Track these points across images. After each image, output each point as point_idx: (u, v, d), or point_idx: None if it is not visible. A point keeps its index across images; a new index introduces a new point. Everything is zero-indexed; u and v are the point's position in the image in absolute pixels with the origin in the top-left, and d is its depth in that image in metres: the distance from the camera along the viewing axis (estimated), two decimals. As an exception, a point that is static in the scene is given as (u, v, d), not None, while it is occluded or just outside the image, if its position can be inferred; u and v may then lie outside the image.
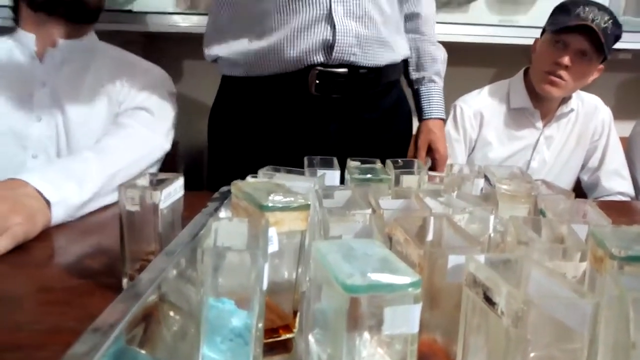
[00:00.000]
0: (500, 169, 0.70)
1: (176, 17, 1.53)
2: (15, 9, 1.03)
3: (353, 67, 0.96)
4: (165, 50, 1.61)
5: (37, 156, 0.96)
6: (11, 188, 0.69)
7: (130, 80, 1.03)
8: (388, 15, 0.99)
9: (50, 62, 0.99)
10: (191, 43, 1.49)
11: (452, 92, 1.33)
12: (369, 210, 0.48)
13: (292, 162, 0.97)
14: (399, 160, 0.72)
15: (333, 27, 0.92)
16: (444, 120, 1.21)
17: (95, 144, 0.91)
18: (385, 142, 1.07)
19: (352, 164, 0.70)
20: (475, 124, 1.42)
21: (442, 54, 1.19)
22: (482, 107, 1.43)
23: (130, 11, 1.51)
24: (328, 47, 0.93)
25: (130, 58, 1.10)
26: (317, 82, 0.95)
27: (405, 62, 1.14)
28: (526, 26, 1.63)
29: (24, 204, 0.67)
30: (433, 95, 1.17)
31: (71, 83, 1.00)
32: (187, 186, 0.61)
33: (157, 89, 1.05)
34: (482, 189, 0.67)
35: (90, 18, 1.03)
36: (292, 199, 0.48)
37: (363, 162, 0.71)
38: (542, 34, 1.36)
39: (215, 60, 1.04)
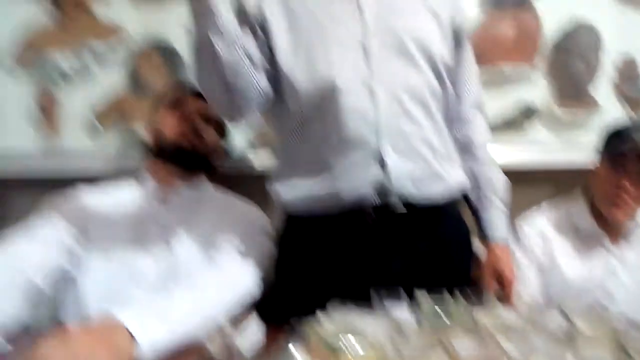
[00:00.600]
0: (576, 301, 0.68)
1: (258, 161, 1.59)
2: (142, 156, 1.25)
3: (408, 203, 0.99)
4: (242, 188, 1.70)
5: (143, 289, 1.03)
6: (105, 326, 0.74)
7: (231, 222, 1.14)
8: (437, 147, 1.03)
9: (168, 206, 1.15)
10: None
11: (511, 212, 1.31)
12: (445, 356, 0.48)
13: (354, 291, 0.95)
14: (468, 292, 0.72)
15: (385, 167, 0.97)
16: (508, 244, 1.18)
17: (192, 279, 0.96)
18: (446, 270, 1.05)
19: (421, 297, 0.70)
20: (541, 244, 1.38)
21: (500, 176, 1.20)
22: (545, 227, 1.40)
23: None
24: (381, 186, 0.98)
25: (231, 200, 1.24)
26: (374, 217, 0.99)
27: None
28: (585, 144, 1.64)
29: (114, 344, 0.71)
30: (494, 219, 1.17)
31: (183, 224, 1.12)
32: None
33: (254, 231, 1.15)
34: (559, 325, 0.65)
35: (204, 166, 1.23)
36: (367, 343, 0.50)
37: (431, 294, 0.72)
38: (599, 156, 1.36)
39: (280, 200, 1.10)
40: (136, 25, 1.67)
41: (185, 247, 1.09)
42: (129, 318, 0.75)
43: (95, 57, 1.68)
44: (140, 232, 1.10)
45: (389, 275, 0.99)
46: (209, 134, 1.23)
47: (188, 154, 1.18)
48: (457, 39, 1.11)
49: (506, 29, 1.68)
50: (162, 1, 1.66)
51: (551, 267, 1.36)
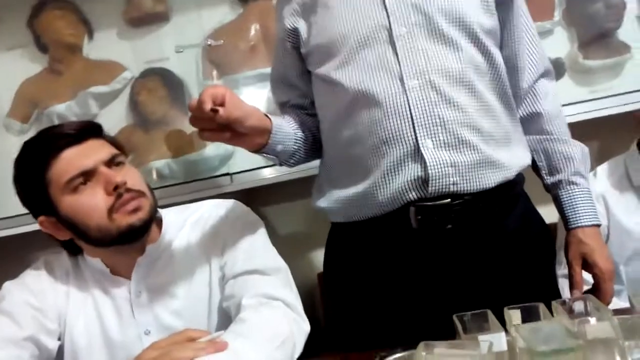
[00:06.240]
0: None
1: (268, 170, 1.53)
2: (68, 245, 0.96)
3: (456, 196, 0.89)
4: (261, 199, 1.65)
5: None
6: None
7: (222, 238, 0.96)
8: (489, 130, 0.91)
9: (135, 276, 0.95)
10: (286, 188, 1.55)
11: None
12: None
13: (412, 304, 0.92)
14: (567, 300, 0.63)
15: (423, 162, 0.87)
16: (599, 226, 1.01)
17: (240, 326, 0.82)
18: (518, 268, 0.93)
19: (515, 317, 0.62)
20: (602, 210, 1.28)
21: (579, 151, 1.03)
22: (603, 190, 1.30)
23: (227, 174, 1.57)
24: (422, 182, 0.88)
25: (205, 212, 1.01)
26: (419, 217, 0.89)
27: (535, 168, 1.04)
28: (623, 93, 1.53)
29: None
30: (577, 200, 1.00)
31: (163, 279, 0.95)
32: None
33: (253, 234, 0.97)
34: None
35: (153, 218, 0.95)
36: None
37: (524, 310, 0.64)
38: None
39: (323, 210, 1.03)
40: (129, 56, 1.60)
41: (182, 305, 0.94)
42: None
43: (96, 99, 1.61)
44: (123, 313, 0.93)
45: (444, 280, 0.91)
46: (132, 176, 0.92)
47: (125, 234, 0.89)
48: None
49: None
50: (149, 26, 1.59)
51: (616, 234, 1.27)
